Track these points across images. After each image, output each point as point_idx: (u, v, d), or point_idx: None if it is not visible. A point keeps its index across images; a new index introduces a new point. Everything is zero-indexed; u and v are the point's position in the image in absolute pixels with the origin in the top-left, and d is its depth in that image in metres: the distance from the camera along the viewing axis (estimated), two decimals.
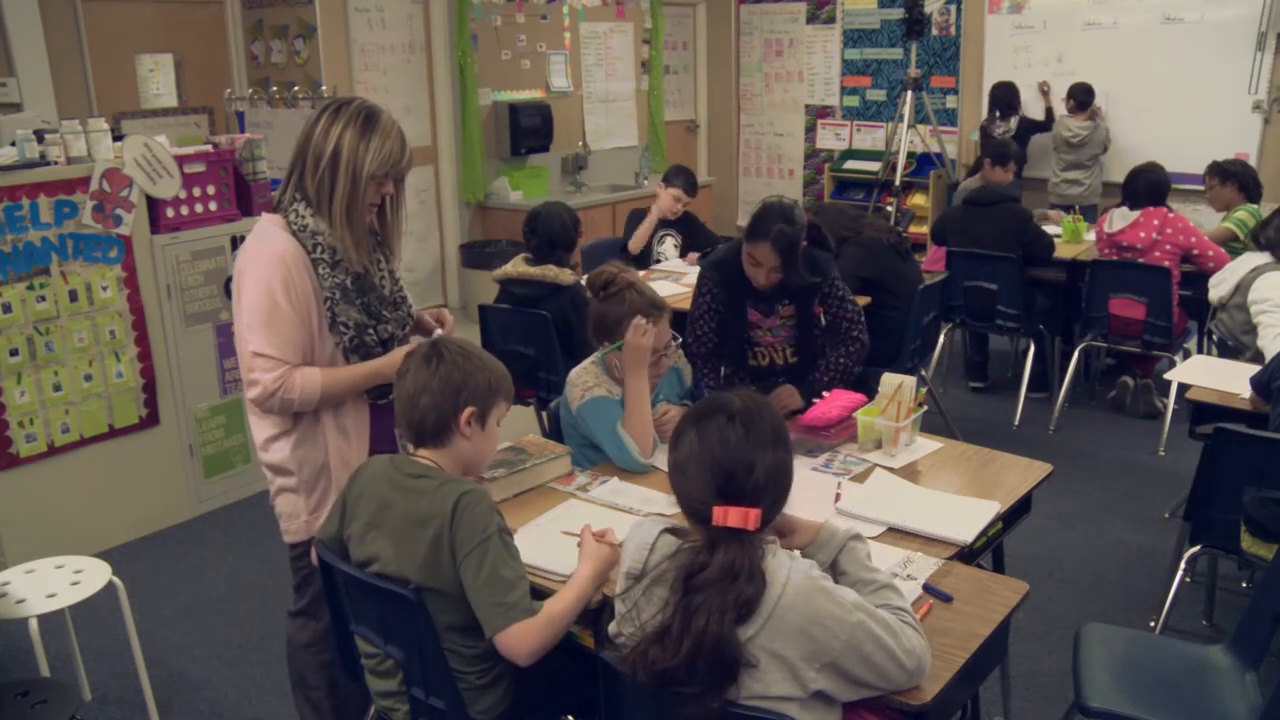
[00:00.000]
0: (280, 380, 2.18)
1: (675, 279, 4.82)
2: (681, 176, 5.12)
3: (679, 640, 1.56)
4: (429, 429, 1.95)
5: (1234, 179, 4.95)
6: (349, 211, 2.21)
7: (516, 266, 4.00)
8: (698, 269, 4.80)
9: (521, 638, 1.82)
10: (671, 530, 1.71)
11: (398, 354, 2.30)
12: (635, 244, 5.09)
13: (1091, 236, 5.31)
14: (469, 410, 1.95)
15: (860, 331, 3.26)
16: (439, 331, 2.43)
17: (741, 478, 1.62)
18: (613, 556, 2.00)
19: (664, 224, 5.19)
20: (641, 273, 4.93)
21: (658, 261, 5.15)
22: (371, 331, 2.30)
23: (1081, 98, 6.91)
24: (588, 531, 2.08)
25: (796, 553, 1.72)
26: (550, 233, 3.96)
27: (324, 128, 2.20)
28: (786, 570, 1.60)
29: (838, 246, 4.10)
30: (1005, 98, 7.24)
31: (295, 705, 2.59)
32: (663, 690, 1.59)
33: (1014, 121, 7.20)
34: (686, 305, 4.22)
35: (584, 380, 2.71)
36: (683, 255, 5.15)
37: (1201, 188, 5.24)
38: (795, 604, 1.57)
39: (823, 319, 3.23)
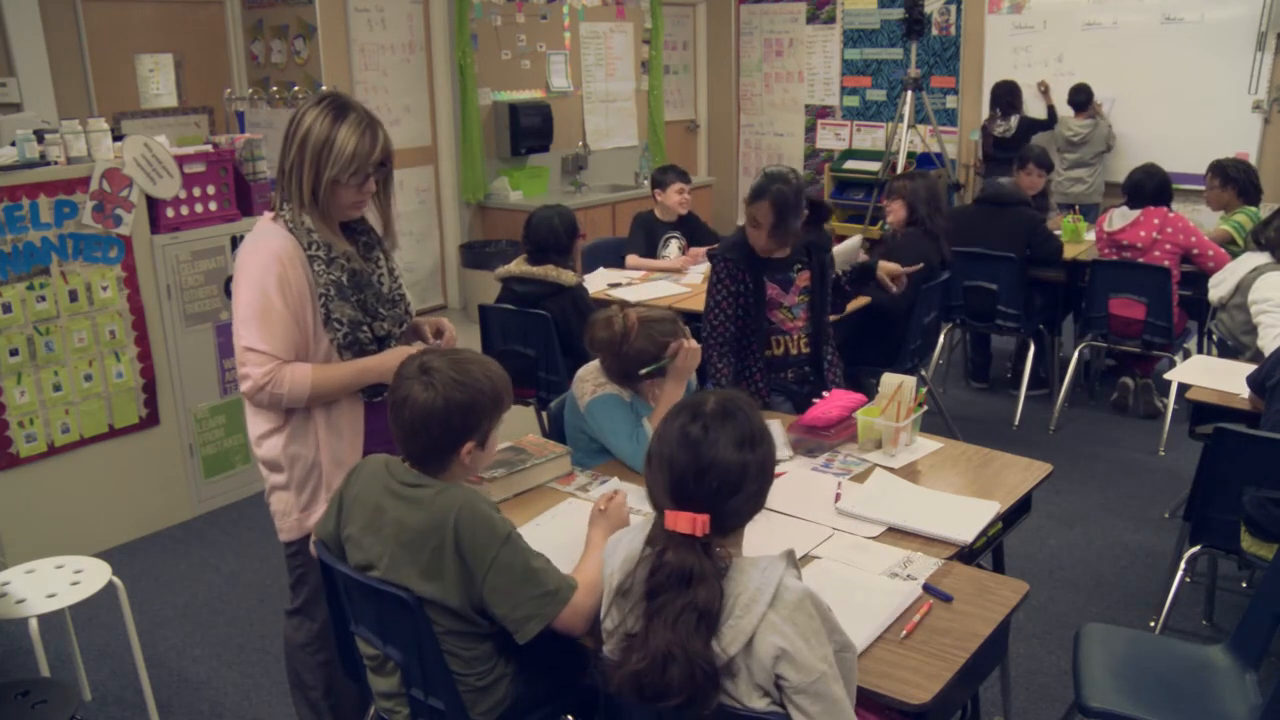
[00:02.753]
0: (270, 375, 2.19)
1: (675, 279, 4.83)
2: (672, 172, 5.14)
3: (644, 645, 1.55)
4: (429, 463, 1.93)
5: (1234, 184, 4.94)
6: (315, 203, 2.22)
7: (519, 265, 4.00)
8: (700, 267, 4.88)
9: (574, 614, 1.85)
10: (648, 539, 1.67)
11: (390, 354, 2.30)
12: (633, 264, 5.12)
13: (1091, 236, 5.31)
14: (469, 445, 1.93)
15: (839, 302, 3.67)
16: (437, 345, 2.42)
17: (691, 481, 1.57)
18: (621, 512, 2.09)
19: (668, 226, 5.20)
20: (642, 272, 4.95)
21: None
22: (366, 328, 2.31)
23: (1077, 98, 6.92)
24: (597, 505, 2.13)
25: (780, 565, 1.60)
26: (539, 238, 3.96)
27: (298, 120, 2.21)
28: (770, 584, 1.54)
29: (918, 221, 4.47)
30: (1006, 96, 7.24)
31: (293, 705, 2.59)
32: (643, 701, 1.57)
33: (1014, 121, 7.20)
34: (688, 304, 4.26)
35: (595, 377, 2.71)
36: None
37: (1201, 188, 5.24)
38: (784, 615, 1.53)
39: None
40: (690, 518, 1.55)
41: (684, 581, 1.54)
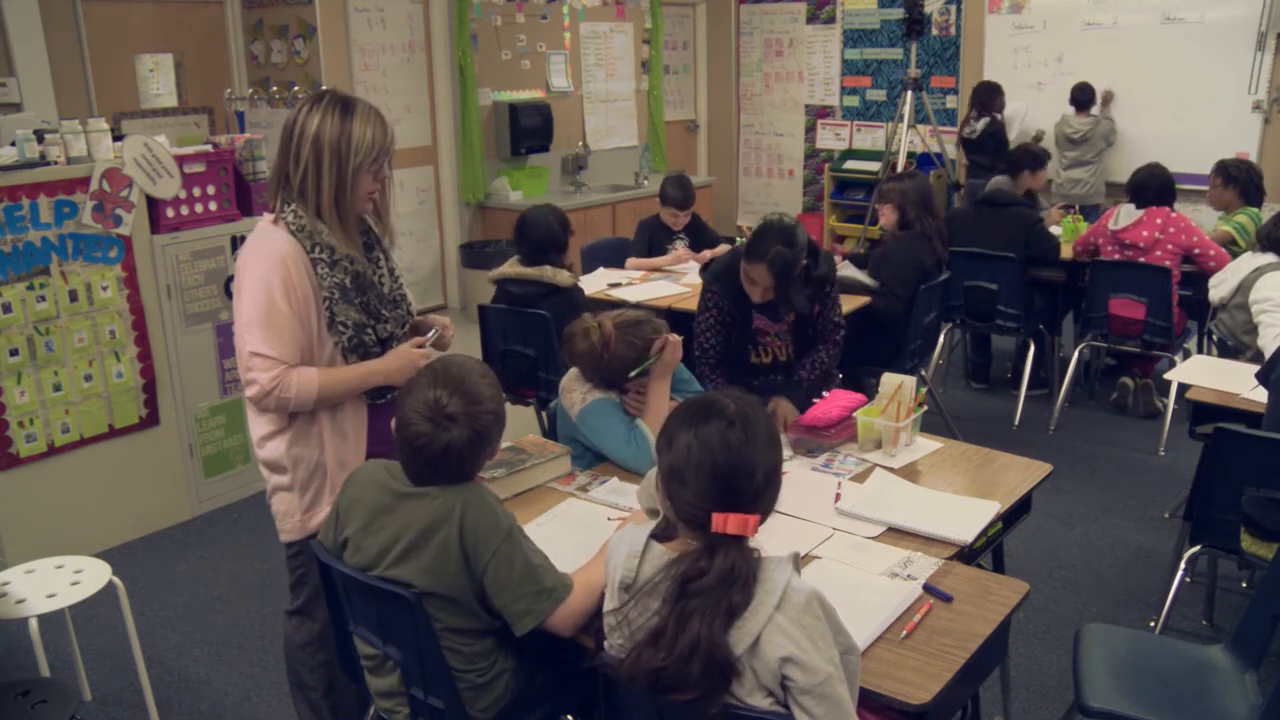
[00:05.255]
0: (277, 380, 2.19)
1: (675, 279, 4.82)
2: (670, 187, 5.07)
3: (673, 642, 1.56)
4: (443, 484, 1.93)
5: (1236, 184, 4.94)
6: (338, 202, 2.21)
7: (513, 267, 3.99)
8: (699, 268, 4.87)
9: (567, 613, 1.87)
10: (657, 537, 1.69)
11: (394, 355, 2.31)
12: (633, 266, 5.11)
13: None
14: (485, 462, 1.97)
15: (840, 336, 3.39)
16: (436, 330, 2.43)
17: (744, 483, 1.60)
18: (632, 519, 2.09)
19: (672, 232, 5.19)
20: (641, 273, 4.94)
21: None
22: (370, 331, 2.31)
23: (1079, 97, 6.91)
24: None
25: (788, 568, 1.63)
26: (536, 238, 3.95)
27: (302, 123, 2.20)
28: (778, 585, 1.57)
29: (909, 223, 4.41)
30: (981, 96, 7.08)
31: (293, 705, 2.59)
32: (657, 694, 1.58)
33: (982, 124, 7.03)
34: (689, 305, 4.25)
35: (580, 384, 2.70)
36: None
37: (1201, 187, 5.24)
38: (791, 617, 1.55)
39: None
40: (742, 519, 1.57)
41: (729, 582, 1.56)
